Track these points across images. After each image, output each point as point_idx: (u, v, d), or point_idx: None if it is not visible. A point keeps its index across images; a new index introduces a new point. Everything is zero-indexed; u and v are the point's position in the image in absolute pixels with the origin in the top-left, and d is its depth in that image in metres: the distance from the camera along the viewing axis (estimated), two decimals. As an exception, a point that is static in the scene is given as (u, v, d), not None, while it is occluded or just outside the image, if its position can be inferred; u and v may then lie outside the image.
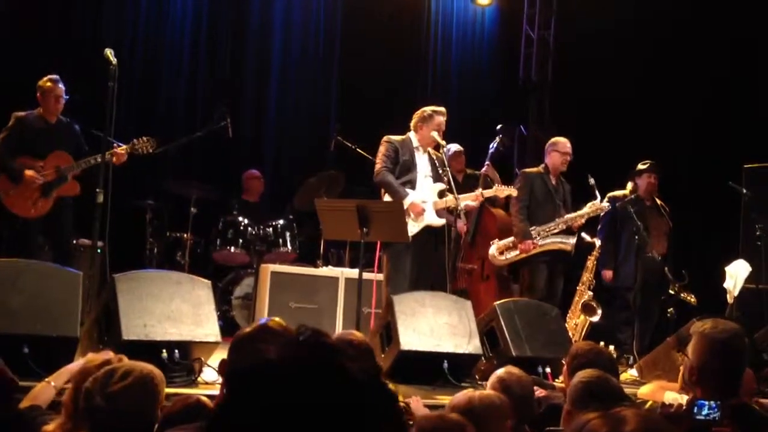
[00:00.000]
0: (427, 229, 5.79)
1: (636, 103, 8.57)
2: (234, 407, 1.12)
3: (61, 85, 5.92)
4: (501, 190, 6.32)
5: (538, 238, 6.35)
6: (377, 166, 5.83)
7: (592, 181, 6.37)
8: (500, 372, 3.28)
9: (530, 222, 6.45)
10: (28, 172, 5.76)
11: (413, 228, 5.65)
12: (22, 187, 5.75)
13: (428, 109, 5.92)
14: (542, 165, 6.73)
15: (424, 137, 5.85)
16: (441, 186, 5.83)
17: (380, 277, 5.86)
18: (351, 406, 1.07)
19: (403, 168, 5.80)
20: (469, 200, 5.96)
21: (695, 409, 2.57)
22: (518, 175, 6.89)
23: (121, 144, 5.75)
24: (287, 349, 1.13)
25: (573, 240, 6.34)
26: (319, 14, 9.12)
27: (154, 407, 2.41)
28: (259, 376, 1.11)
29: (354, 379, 1.09)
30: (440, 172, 5.83)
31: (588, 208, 6.39)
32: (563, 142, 6.67)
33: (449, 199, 5.74)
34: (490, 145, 7.15)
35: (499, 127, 7.18)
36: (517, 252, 6.40)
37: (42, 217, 5.82)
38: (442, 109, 5.93)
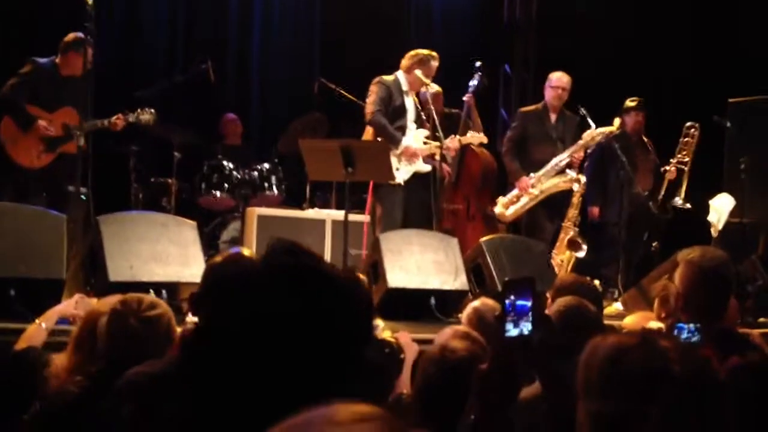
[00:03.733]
0: (416, 175, 5.83)
1: (622, 40, 8.49)
2: (217, 319, 1.13)
3: (92, 50, 5.73)
4: (475, 137, 6.27)
5: (540, 183, 6.31)
6: (369, 108, 5.79)
7: (583, 111, 6.37)
8: (475, 303, 3.29)
9: (526, 163, 6.43)
10: (41, 122, 5.62)
11: (404, 174, 5.66)
12: (28, 136, 5.63)
13: (424, 51, 5.85)
14: (542, 102, 6.68)
15: (415, 80, 5.81)
16: (425, 132, 5.85)
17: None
18: (329, 302, 1.10)
19: (396, 113, 5.78)
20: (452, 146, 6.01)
21: (675, 333, 2.60)
22: (515, 114, 6.86)
23: (123, 113, 5.68)
24: (266, 256, 1.16)
25: (573, 173, 6.32)
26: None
27: (168, 345, 2.42)
28: (238, 283, 1.13)
29: (331, 277, 1.12)
30: (423, 117, 5.82)
31: (584, 139, 6.37)
32: (556, 77, 6.59)
33: (433, 144, 5.73)
34: (470, 83, 7.06)
35: (478, 64, 7.09)
36: (524, 201, 6.36)
37: (39, 170, 5.74)
38: (436, 54, 5.90)
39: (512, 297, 1.63)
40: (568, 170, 6.36)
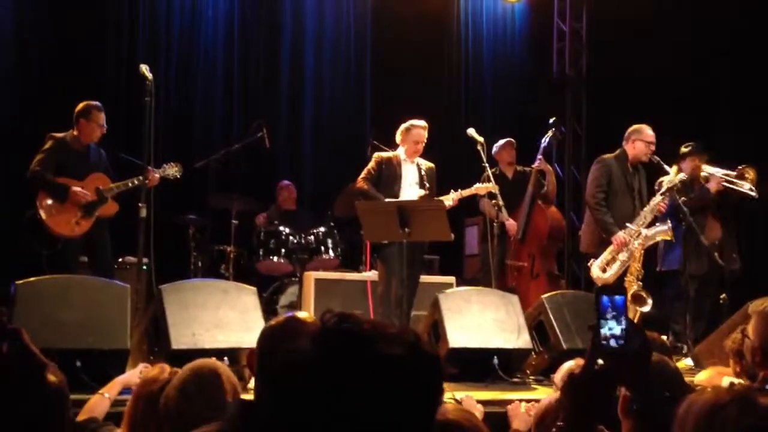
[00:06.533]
0: None
1: (674, 88, 8.43)
2: (276, 407, 1.09)
3: (103, 115, 5.98)
4: (480, 188, 6.19)
5: (634, 238, 5.96)
6: (359, 177, 6.14)
7: (656, 158, 6.15)
8: (570, 364, 3.17)
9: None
10: (75, 188, 5.76)
11: None
12: (65, 206, 5.77)
13: (407, 123, 6.19)
14: (619, 150, 6.33)
15: (408, 149, 6.12)
16: (420, 192, 6.04)
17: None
18: (394, 384, 1.05)
19: (388, 180, 6.07)
20: (448, 201, 5.94)
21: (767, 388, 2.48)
22: (595, 163, 6.44)
23: (153, 168, 5.82)
24: (318, 340, 1.11)
25: (664, 225, 6.02)
26: (350, 21, 9.17)
27: None
28: (295, 374, 1.09)
29: (390, 359, 1.06)
30: (425, 181, 6.11)
31: (666, 186, 6.04)
32: (648, 130, 6.26)
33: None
34: (543, 140, 7.05)
35: (552, 120, 7.09)
36: (623, 259, 5.99)
37: (82, 237, 5.86)
38: (421, 122, 6.16)
39: (607, 295, 1.59)
40: (657, 222, 6.05)
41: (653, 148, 6.24)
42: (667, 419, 1.48)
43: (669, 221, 6.05)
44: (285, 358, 1.13)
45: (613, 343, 1.54)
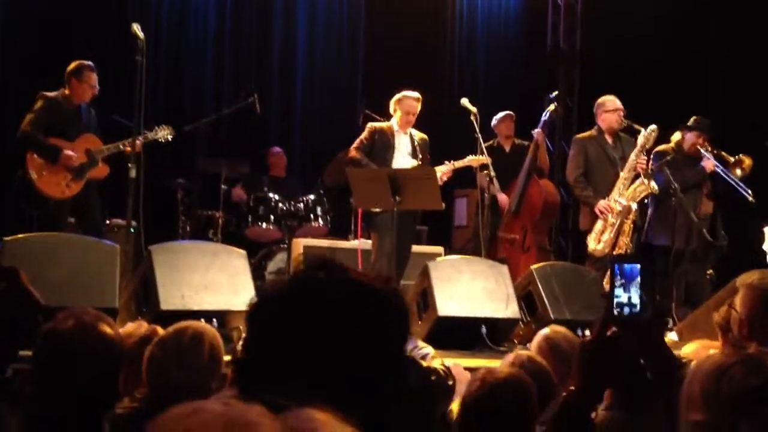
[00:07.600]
0: None
1: (669, 66, 8.41)
2: (256, 338, 1.13)
3: (95, 75, 5.89)
4: (474, 160, 6.25)
5: (618, 203, 6.09)
6: (352, 146, 6.16)
7: (625, 121, 6.26)
8: (546, 331, 3.20)
9: (593, 188, 6.26)
10: (67, 152, 5.67)
11: None
12: (55, 168, 5.70)
13: (400, 93, 6.19)
14: (594, 128, 6.48)
15: (401, 119, 6.12)
16: (414, 162, 6.05)
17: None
18: (366, 306, 1.09)
19: (382, 150, 6.07)
20: (439, 172, 5.93)
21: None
22: (571, 143, 6.65)
23: (145, 131, 5.75)
24: (293, 274, 1.16)
25: (638, 179, 6.13)
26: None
27: (214, 371, 2.44)
28: (269, 301, 1.13)
29: (360, 282, 1.11)
30: (418, 151, 6.12)
31: (640, 141, 6.13)
32: (610, 100, 6.39)
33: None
34: (543, 113, 7.05)
35: (555, 94, 7.09)
36: (612, 228, 6.09)
37: (71, 199, 5.80)
38: (414, 93, 6.16)
39: (620, 263, 1.59)
40: (639, 179, 6.13)
41: (621, 114, 6.35)
42: (671, 386, 1.49)
43: (644, 180, 6.09)
44: (259, 295, 1.18)
45: (626, 311, 1.54)
